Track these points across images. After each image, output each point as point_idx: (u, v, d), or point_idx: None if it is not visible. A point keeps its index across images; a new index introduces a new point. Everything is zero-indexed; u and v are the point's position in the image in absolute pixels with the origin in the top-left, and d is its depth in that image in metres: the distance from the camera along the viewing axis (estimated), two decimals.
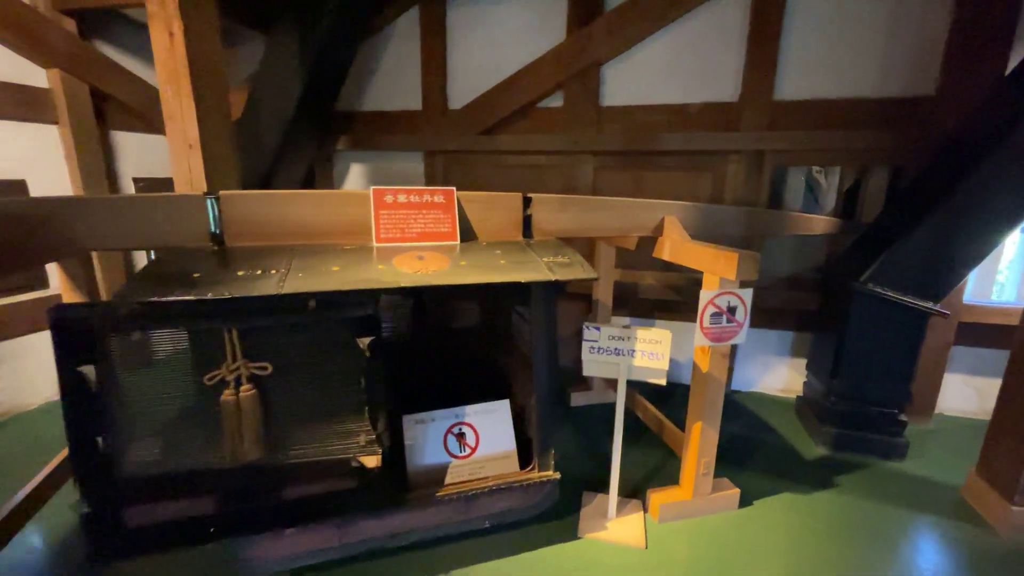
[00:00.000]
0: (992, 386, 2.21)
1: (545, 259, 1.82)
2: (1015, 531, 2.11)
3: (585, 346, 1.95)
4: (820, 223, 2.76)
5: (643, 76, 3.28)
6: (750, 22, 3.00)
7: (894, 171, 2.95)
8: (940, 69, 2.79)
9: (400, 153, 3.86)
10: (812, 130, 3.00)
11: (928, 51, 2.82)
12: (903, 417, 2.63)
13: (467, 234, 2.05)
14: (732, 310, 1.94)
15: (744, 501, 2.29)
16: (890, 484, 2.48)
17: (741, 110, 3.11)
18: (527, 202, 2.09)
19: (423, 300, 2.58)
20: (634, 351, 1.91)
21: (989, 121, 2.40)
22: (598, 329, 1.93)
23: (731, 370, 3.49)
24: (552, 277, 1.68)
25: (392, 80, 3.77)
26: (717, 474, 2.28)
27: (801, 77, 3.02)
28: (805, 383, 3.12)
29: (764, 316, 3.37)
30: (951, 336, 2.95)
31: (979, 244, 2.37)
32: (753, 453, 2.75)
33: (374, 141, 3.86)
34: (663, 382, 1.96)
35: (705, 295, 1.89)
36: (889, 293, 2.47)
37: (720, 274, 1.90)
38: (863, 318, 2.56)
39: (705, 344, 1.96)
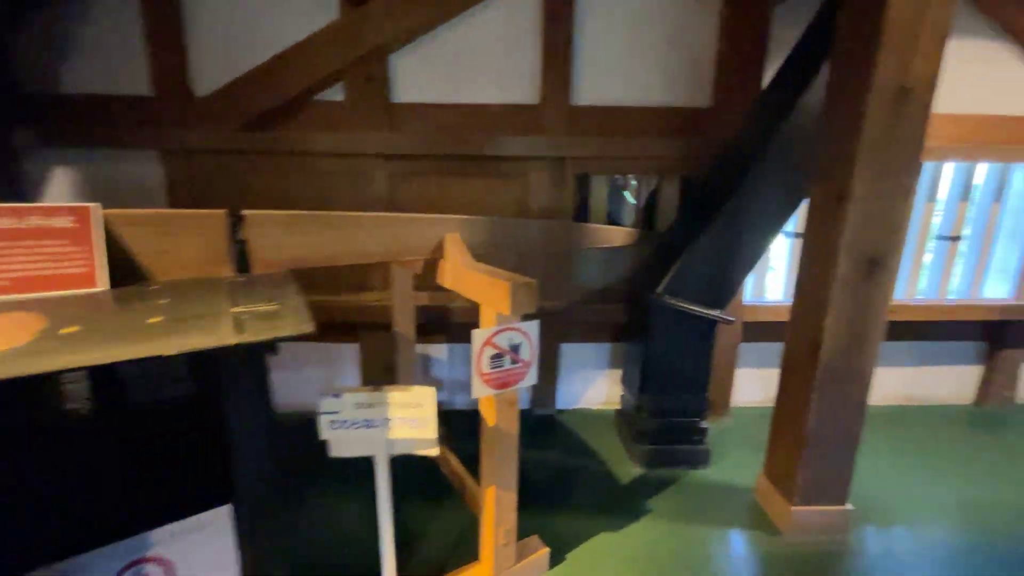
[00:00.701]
0: (775, 376, 2.29)
1: (241, 308, 1.24)
2: (797, 531, 2.17)
3: (324, 421, 1.42)
4: (620, 234, 2.66)
5: (438, 71, 2.88)
6: (543, 21, 2.80)
7: (684, 181, 3.02)
8: (713, 82, 2.92)
9: (127, 152, 2.87)
10: (608, 137, 2.91)
11: (704, 63, 2.92)
12: (704, 424, 2.64)
13: (132, 274, 1.36)
14: (516, 348, 1.60)
15: (556, 558, 2.01)
16: (697, 497, 2.45)
17: (542, 114, 2.89)
18: (237, 222, 1.48)
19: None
20: (389, 420, 1.45)
21: (753, 132, 2.50)
22: (338, 397, 1.41)
23: (554, 389, 3.30)
24: (231, 341, 1.11)
25: (109, 53, 2.77)
26: (528, 527, 1.96)
27: (596, 82, 2.92)
28: (621, 396, 3.05)
29: (582, 330, 3.25)
30: (738, 335, 3.12)
31: (753, 248, 2.45)
32: (570, 486, 2.53)
33: (85, 135, 2.81)
34: (434, 452, 1.53)
35: (480, 335, 1.51)
36: (681, 304, 2.42)
37: (495, 307, 1.53)
38: (662, 330, 2.49)
39: (488, 393, 1.59)
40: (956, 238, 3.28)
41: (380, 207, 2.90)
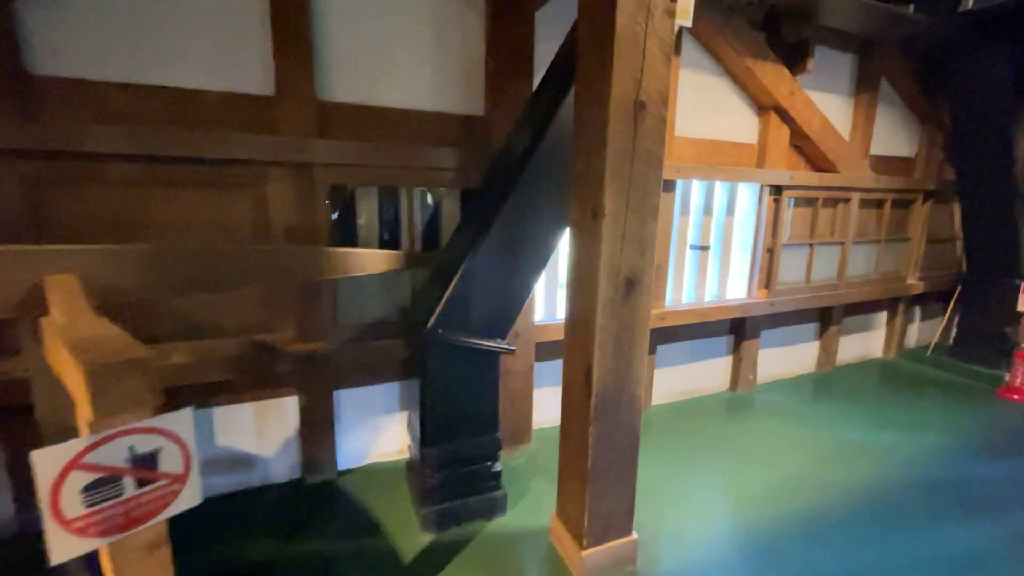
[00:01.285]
0: None
1: None
2: (590, 574, 1.99)
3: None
4: (382, 259, 2.21)
5: (116, 35, 2.05)
6: None
7: (462, 195, 2.74)
8: (485, 89, 2.70)
9: None
10: (371, 142, 2.45)
11: (475, 67, 2.69)
12: (497, 467, 2.35)
13: None
14: (147, 460, 0.99)
15: None
16: (491, 554, 2.13)
17: (279, 108, 2.29)
18: None
19: None
20: None
21: (518, 145, 2.31)
22: None
23: (333, 447, 2.68)
24: None
25: None
26: None
27: (354, 77, 2.44)
28: (409, 446, 2.60)
29: (363, 370, 2.71)
30: (532, 357, 2.97)
31: (528, 269, 2.25)
32: None
33: None
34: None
35: (47, 458, 0.87)
36: (457, 338, 2.08)
37: (82, 407, 0.91)
38: (439, 369, 2.12)
39: (87, 548, 0.94)
40: (705, 247, 3.71)
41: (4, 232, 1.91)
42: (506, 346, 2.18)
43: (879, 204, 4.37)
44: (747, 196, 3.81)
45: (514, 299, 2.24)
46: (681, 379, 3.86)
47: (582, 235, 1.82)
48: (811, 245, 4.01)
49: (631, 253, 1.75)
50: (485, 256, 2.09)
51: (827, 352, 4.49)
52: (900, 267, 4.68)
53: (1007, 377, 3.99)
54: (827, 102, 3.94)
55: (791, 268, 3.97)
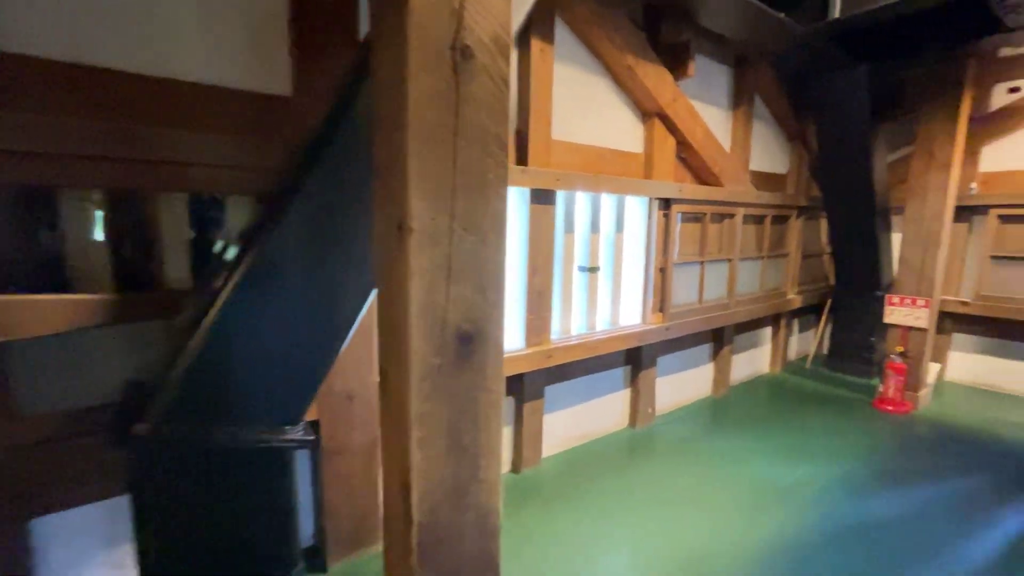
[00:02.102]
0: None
1: None
2: None
3: None
4: (64, 309, 1.32)
5: None
6: None
7: (261, 203, 1.93)
8: (292, 58, 1.95)
9: None
10: (102, 123, 1.56)
11: (275, 27, 1.92)
12: None
13: None
14: None
15: None
16: None
17: None
18: None
19: None
20: None
21: (322, 136, 1.58)
22: None
23: None
24: None
25: None
26: None
27: (68, 20, 1.55)
28: None
29: (68, 483, 1.73)
30: (376, 426, 2.20)
31: (328, 311, 1.50)
32: None
33: None
34: None
35: None
36: (205, 433, 1.26)
37: None
38: (170, 488, 1.27)
39: None
40: (595, 269, 3.26)
41: None
42: (299, 437, 1.39)
43: (760, 220, 4.32)
44: (636, 211, 3.44)
45: (312, 359, 1.47)
46: (575, 422, 3.32)
47: (386, 264, 1.13)
48: (702, 263, 3.76)
49: (463, 291, 1.09)
50: (251, 297, 1.31)
51: (722, 373, 4.30)
52: (781, 283, 4.69)
53: (880, 387, 4.05)
54: (709, 114, 3.76)
55: (684, 288, 3.67)
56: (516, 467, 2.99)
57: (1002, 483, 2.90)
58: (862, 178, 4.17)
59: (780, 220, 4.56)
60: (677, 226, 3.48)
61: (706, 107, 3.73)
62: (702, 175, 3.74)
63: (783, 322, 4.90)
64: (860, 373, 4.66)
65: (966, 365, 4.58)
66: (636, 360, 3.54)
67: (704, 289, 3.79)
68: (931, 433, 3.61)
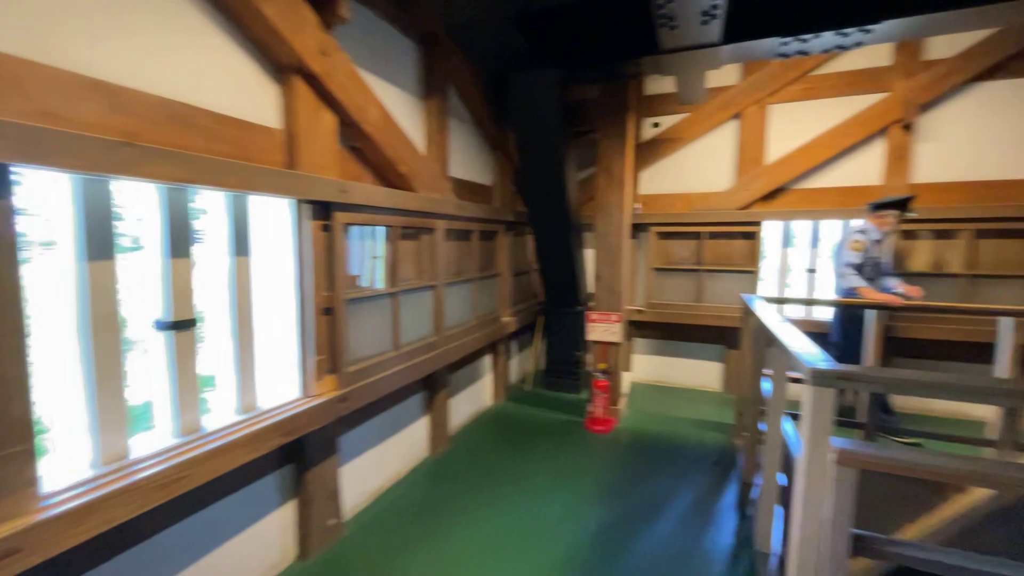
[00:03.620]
0: None
1: None
2: None
3: None
4: None
5: None
6: None
7: None
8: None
9: None
10: None
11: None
12: None
13: None
14: None
15: None
16: None
17: None
18: None
19: None
20: None
21: None
22: None
23: None
24: None
25: None
26: None
27: None
28: None
29: None
30: None
31: None
32: None
33: None
34: None
35: None
36: None
37: None
38: None
39: None
40: (188, 323, 1.81)
41: None
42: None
43: (466, 236, 3.68)
44: (276, 220, 2.17)
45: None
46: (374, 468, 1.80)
47: None
48: (393, 295, 2.78)
49: None
50: None
51: (439, 426, 3.44)
52: (495, 306, 4.21)
53: (589, 407, 3.95)
54: (391, 96, 2.82)
55: (368, 333, 2.60)
56: None
57: (687, 471, 3.10)
58: (557, 193, 4.02)
59: (488, 236, 4.06)
60: (345, 243, 2.38)
61: (385, 85, 2.78)
62: (387, 175, 2.77)
63: (502, 348, 4.46)
64: (572, 388, 4.61)
65: (644, 366, 5.08)
66: (300, 456, 2.25)
67: (400, 329, 2.82)
68: (632, 443, 3.62)
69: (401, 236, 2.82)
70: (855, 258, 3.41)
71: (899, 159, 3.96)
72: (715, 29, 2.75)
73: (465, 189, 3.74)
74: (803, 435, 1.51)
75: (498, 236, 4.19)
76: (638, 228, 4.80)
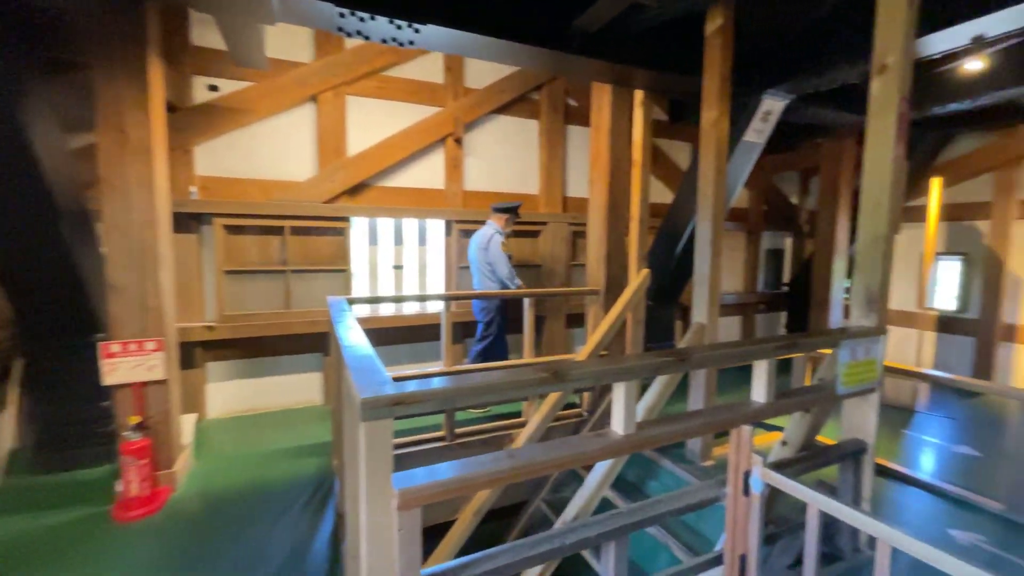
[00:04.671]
0: None
1: None
2: None
3: None
4: None
5: None
6: None
7: None
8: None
9: None
10: None
11: None
12: None
13: None
14: None
15: None
16: None
17: None
18: None
19: None
20: None
21: None
22: None
23: None
24: None
25: None
26: None
27: None
28: None
29: None
30: None
31: None
32: None
33: None
34: None
35: None
36: None
37: None
38: None
39: None
40: None
41: None
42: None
43: None
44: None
45: None
46: None
47: None
48: None
49: None
50: None
51: None
52: None
53: (119, 486, 2.60)
54: None
55: None
56: None
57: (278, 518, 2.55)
58: (21, 160, 2.43)
59: None
60: None
61: None
62: None
63: None
64: (96, 458, 3.02)
65: (225, 396, 3.99)
66: None
67: None
68: (197, 513, 2.62)
69: None
70: (507, 257, 3.76)
71: (455, 167, 4.55)
72: None
73: None
74: (361, 482, 1.13)
75: None
76: (195, 219, 3.65)
